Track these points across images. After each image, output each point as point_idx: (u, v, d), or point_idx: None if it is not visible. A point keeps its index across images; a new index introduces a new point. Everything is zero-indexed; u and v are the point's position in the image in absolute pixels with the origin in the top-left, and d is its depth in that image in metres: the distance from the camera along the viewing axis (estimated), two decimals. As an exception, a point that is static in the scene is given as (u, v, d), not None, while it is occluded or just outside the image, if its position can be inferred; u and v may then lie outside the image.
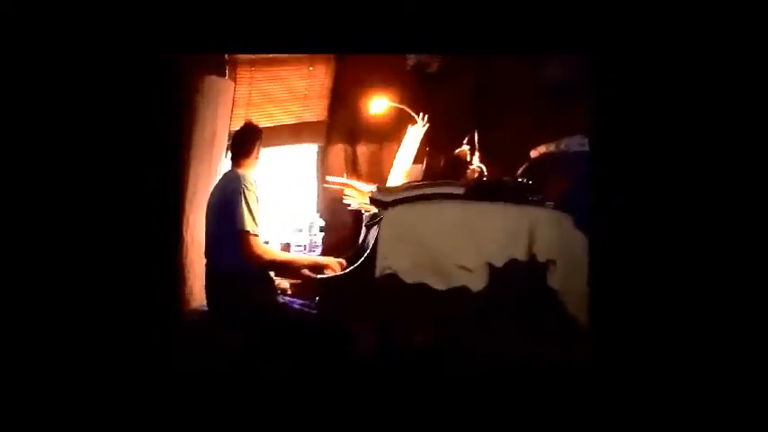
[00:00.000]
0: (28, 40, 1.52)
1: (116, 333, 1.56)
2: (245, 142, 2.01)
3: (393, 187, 1.84)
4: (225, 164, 2.55)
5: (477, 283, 1.51)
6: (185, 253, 2.31)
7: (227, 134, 2.58)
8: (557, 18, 1.54)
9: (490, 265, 1.52)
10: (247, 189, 1.82)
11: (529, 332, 1.63)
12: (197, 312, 2.16)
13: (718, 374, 1.33)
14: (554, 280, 1.60)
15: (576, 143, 1.91)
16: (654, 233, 1.44)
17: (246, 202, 1.78)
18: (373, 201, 1.64)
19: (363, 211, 1.95)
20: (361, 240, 1.99)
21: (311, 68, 2.69)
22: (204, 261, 2.00)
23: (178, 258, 2.26)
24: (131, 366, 1.54)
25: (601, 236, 1.49)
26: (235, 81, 2.59)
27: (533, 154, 2.04)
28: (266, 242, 2.19)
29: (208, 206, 2.02)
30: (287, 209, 2.55)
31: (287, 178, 2.61)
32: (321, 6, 1.57)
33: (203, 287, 2.04)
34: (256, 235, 1.78)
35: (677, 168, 1.42)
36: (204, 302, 2.06)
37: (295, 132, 2.62)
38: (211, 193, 2.04)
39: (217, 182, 2.09)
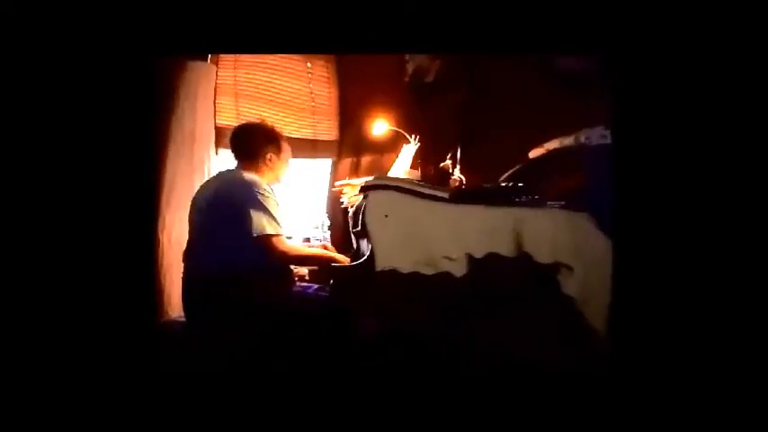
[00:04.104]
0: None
1: (87, 348, 1.39)
2: (254, 144, 1.93)
3: (391, 177, 2.07)
4: (215, 160, 2.46)
5: (459, 269, 1.65)
6: (162, 256, 2.13)
7: (211, 127, 2.46)
8: (571, 16, 1.51)
9: (470, 256, 1.65)
10: (264, 196, 1.79)
11: (538, 335, 1.65)
12: (177, 323, 1.99)
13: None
14: (570, 287, 1.58)
15: (598, 134, 1.84)
16: (680, 235, 1.36)
17: (265, 208, 1.78)
18: (362, 188, 1.80)
19: (349, 206, 2.13)
20: (354, 247, 2.09)
21: (309, 64, 2.74)
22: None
23: (153, 262, 2.08)
24: (107, 384, 1.38)
25: (623, 238, 1.42)
26: (216, 64, 2.47)
27: (534, 154, 2.08)
28: (290, 237, 2.28)
29: (198, 207, 1.86)
30: (307, 210, 2.93)
31: (308, 185, 2.99)
32: (319, 6, 1.53)
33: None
34: (280, 235, 1.81)
35: (706, 166, 1.35)
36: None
37: (312, 147, 2.84)
38: (203, 193, 1.88)
39: (209, 180, 1.95)
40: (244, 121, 2.21)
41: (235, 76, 2.58)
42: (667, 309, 1.35)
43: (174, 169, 2.24)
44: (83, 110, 1.45)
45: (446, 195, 1.75)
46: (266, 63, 2.67)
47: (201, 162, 2.40)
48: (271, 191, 1.84)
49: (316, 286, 2.01)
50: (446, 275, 1.63)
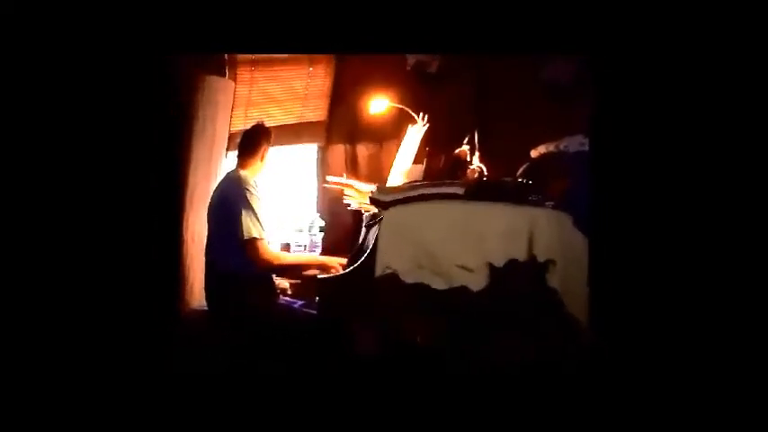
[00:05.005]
0: (25, 42, 1.51)
1: (114, 333, 1.56)
2: (250, 142, 2.01)
3: (393, 187, 1.84)
4: (226, 164, 2.57)
5: (477, 282, 1.52)
6: (185, 252, 2.31)
7: (226, 134, 2.58)
8: (558, 17, 1.53)
9: (490, 265, 1.53)
10: (250, 193, 1.82)
11: (530, 333, 1.65)
12: (197, 312, 2.15)
13: (720, 376, 1.32)
14: (554, 280, 1.62)
15: (577, 143, 1.91)
16: (655, 234, 1.42)
17: (251, 208, 1.79)
18: (373, 201, 1.65)
19: (363, 211, 1.97)
20: (361, 240, 2.01)
21: (311, 69, 2.71)
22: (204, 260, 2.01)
23: (178, 258, 2.24)
24: (129, 366, 1.54)
25: (600, 236, 1.49)
26: (235, 81, 2.57)
27: (534, 154, 2.05)
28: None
29: (209, 206, 2.02)
30: (287, 209, 2.61)
31: (287, 177, 2.66)
32: (321, 6, 1.57)
33: (203, 286, 2.05)
34: (263, 239, 1.78)
35: (679, 169, 1.40)
36: (204, 302, 2.07)
37: (296, 132, 2.65)
38: (213, 194, 2.04)
39: (218, 182, 2.09)
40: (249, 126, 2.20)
41: (250, 90, 2.62)
42: (646, 300, 1.40)
43: (197, 173, 2.37)
44: (108, 116, 1.59)
45: (461, 191, 1.59)
46: (276, 73, 2.70)
47: (217, 166, 2.54)
48: (255, 186, 1.87)
49: (300, 303, 1.94)
50: (462, 290, 1.48)
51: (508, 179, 1.77)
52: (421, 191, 1.59)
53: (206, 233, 2.04)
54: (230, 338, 1.79)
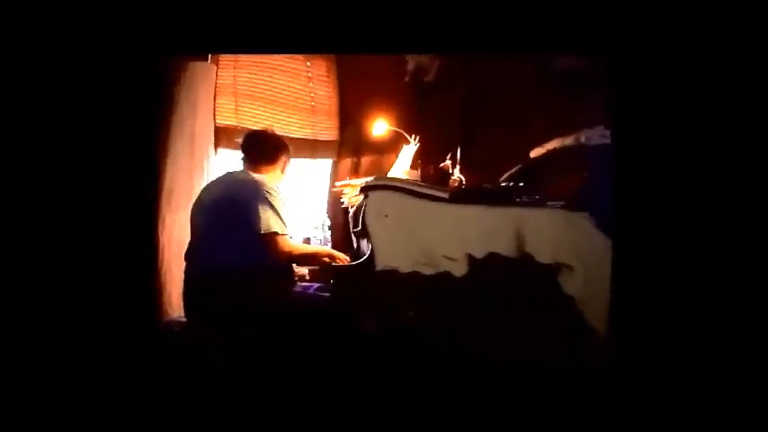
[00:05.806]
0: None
1: (87, 347, 1.39)
2: (268, 152, 2.00)
3: (389, 177, 2.11)
4: (214, 160, 2.47)
5: (459, 269, 1.69)
6: (161, 257, 2.12)
7: (211, 128, 2.47)
8: (570, 16, 1.50)
9: (470, 256, 1.68)
10: (271, 195, 1.87)
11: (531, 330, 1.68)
12: (178, 323, 1.97)
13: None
14: (569, 286, 1.61)
15: (598, 135, 1.85)
16: (680, 234, 1.37)
17: (272, 207, 1.85)
18: (363, 189, 1.83)
19: (350, 206, 2.16)
20: (355, 247, 2.13)
21: (309, 63, 2.75)
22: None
23: (153, 263, 2.06)
24: (107, 384, 1.38)
25: (624, 238, 1.43)
26: (217, 64, 2.47)
27: (534, 154, 2.09)
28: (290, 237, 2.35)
29: (203, 207, 1.89)
30: (307, 210, 2.97)
31: (308, 185, 3.05)
32: (319, 5, 1.53)
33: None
34: (285, 234, 1.89)
35: (706, 165, 1.35)
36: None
37: (312, 148, 2.90)
38: (209, 194, 1.92)
39: (215, 181, 1.98)
40: (248, 125, 2.41)
41: (234, 76, 2.59)
42: (667, 308, 1.35)
43: (175, 170, 2.23)
44: (86, 109, 1.44)
45: (446, 195, 1.78)
46: (266, 63, 2.69)
47: (201, 161, 2.38)
48: (278, 190, 1.91)
49: (316, 286, 2.07)
50: (446, 275, 1.67)
51: (488, 185, 1.93)
52: (415, 187, 1.80)
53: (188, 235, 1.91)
54: (223, 342, 1.70)
